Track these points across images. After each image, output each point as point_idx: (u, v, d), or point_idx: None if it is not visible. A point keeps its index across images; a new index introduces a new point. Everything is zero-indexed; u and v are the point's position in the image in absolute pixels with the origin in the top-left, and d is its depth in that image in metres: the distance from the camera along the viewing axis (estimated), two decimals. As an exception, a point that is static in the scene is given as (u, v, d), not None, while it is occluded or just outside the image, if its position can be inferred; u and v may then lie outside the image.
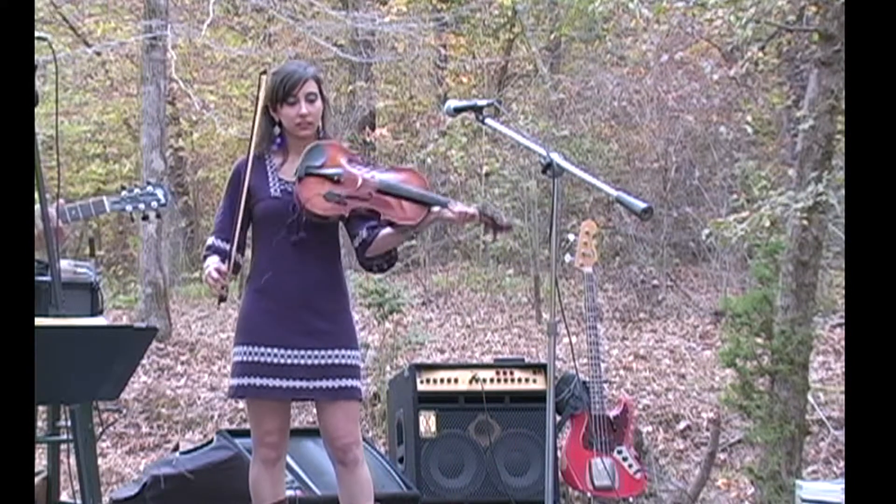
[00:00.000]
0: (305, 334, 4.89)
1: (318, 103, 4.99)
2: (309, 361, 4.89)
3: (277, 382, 4.90)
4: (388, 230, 4.95)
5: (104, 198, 4.44)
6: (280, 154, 5.05)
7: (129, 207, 4.41)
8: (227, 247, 4.95)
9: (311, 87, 4.96)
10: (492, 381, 7.23)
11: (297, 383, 4.89)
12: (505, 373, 7.29)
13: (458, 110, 5.01)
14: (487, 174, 13.22)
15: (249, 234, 5.07)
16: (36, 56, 3.85)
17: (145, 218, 4.57)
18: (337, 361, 4.91)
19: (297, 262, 4.89)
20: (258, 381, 4.91)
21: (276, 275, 4.91)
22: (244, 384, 4.93)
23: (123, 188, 4.45)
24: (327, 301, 4.95)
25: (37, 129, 3.90)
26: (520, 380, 7.26)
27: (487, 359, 10.42)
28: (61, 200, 4.40)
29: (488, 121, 4.87)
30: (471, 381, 7.21)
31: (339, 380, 4.90)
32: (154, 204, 4.47)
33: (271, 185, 4.98)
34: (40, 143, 3.99)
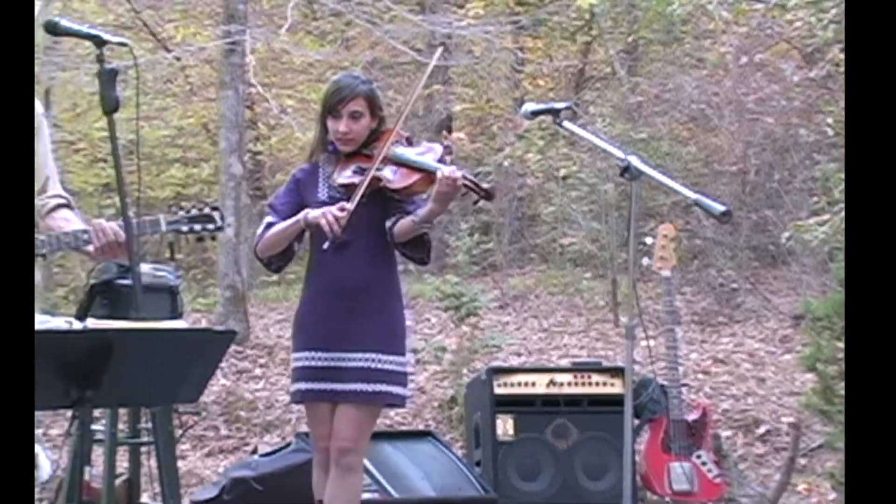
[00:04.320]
0: (349, 337, 4.93)
1: (364, 121, 4.98)
2: (349, 364, 4.93)
3: (322, 386, 4.96)
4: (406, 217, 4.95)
5: (161, 216, 4.44)
6: (333, 161, 5.08)
7: (184, 228, 4.40)
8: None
9: (358, 104, 4.95)
10: (569, 384, 7.21)
11: (334, 386, 4.94)
12: (582, 376, 7.26)
13: (535, 113, 5.02)
14: (565, 177, 13.17)
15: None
16: (117, 62, 3.89)
17: (200, 240, 4.55)
18: (372, 366, 4.92)
19: (346, 265, 4.93)
20: (304, 386, 5.01)
21: (328, 277, 4.97)
22: (301, 389, 5.03)
23: (181, 208, 4.44)
24: (374, 302, 4.98)
25: (118, 134, 3.93)
26: (597, 383, 7.23)
27: (564, 362, 10.39)
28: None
29: (566, 124, 4.87)
30: (548, 385, 7.20)
31: (364, 384, 4.92)
32: (211, 226, 4.46)
33: (320, 190, 5.04)
34: (121, 148, 4.02)
